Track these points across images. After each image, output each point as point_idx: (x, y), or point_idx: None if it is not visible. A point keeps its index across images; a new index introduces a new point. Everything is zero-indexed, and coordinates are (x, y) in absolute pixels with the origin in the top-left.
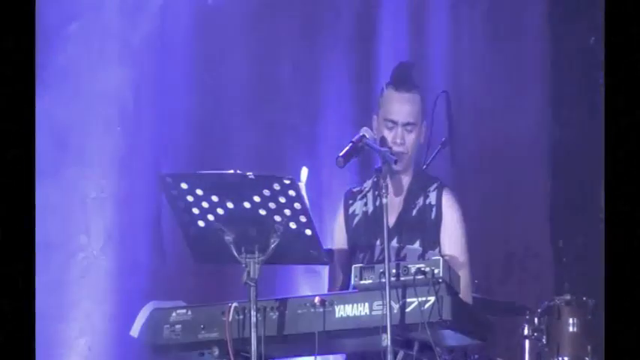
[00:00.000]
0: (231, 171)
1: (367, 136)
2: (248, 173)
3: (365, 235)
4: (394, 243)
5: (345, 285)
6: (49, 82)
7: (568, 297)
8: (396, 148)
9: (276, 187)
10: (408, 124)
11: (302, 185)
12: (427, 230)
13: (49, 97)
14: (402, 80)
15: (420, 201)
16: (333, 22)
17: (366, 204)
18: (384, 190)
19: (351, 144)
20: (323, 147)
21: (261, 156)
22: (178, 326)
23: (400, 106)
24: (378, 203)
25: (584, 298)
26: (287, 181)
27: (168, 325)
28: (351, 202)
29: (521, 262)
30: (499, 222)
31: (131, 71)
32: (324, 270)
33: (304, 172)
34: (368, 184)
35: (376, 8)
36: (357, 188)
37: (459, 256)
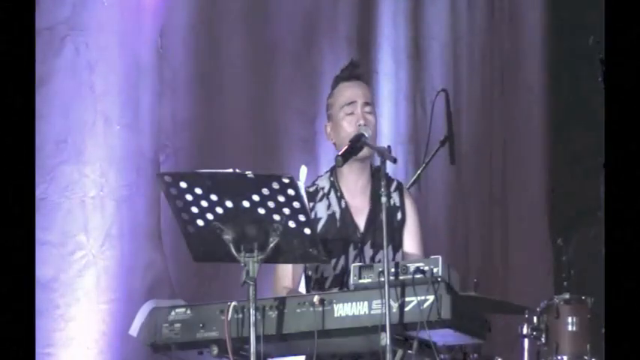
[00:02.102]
0: (230, 170)
1: (366, 135)
2: (247, 172)
3: (335, 240)
4: (368, 247)
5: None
6: (48, 81)
7: (567, 296)
8: (362, 129)
9: (275, 186)
10: (367, 103)
11: (301, 184)
12: (395, 232)
13: (49, 95)
14: (350, 72)
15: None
16: (332, 21)
17: (329, 206)
18: (382, 189)
19: (349, 143)
20: (322, 146)
21: (260, 155)
22: (177, 325)
23: (354, 90)
24: (344, 205)
25: (584, 297)
26: (286, 180)
27: (167, 324)
28: (311, 204)
29: (520, 262)
30: (498, 220)
31: (131, 70)
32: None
33: (303, 171)
34: (324, 182)
35: (376, 6)
36: (312, 188)
37: (416, 253)
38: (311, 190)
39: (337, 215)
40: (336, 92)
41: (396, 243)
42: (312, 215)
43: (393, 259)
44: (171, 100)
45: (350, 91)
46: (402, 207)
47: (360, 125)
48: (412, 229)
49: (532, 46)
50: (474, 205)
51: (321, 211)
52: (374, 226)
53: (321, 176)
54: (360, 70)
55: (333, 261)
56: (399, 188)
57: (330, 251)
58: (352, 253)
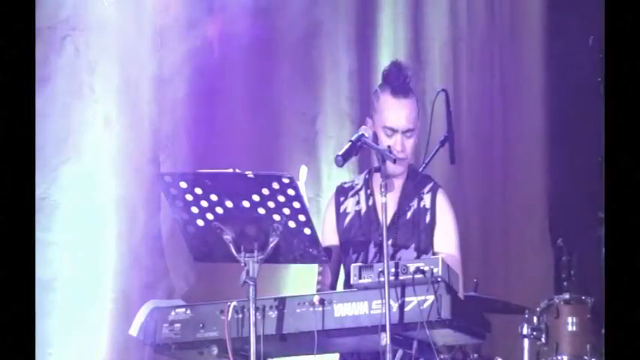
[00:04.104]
0: (230, 170)
1: (366, 135)
2: (247, 172)
3: (358, 235)
4: (389, 246)
5: (334, 284)
6: (48, 81)
7: (567, 296)
8: (396, 155)
9: (275, 186)
10: (407, 130)
11: (301, 184)
12: (421, 234)
13: (49, 95)
14: (399, 85)
15: (415, 203)
16: (332, 21)
17: (358, 202)
18: (383, 190)
19: (349, 143)
20: (322, 146)
21: (260, 155)
22: (177, 325)
23: (399, 113)
24: (371, 202)
25: (584, 297)
26: (286, 180)
27: (167, 324)
28: (342, 198)
29: (520, 262)
30: (498, 221)
31: (130, 70)
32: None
33: (303, 171)
34: (359, 180)
35: (375, 7)
36: (349, 184)
37: (451, 252)
38: (346, 185)
39: (362, 212)
40: (382, 103)
41: (422, 245)
42: (342, 210)
43: None
44: (172, 100)
45: (393, 113)
46: (433, 209)
47: (395, 150)
48: (445, 233)
49: (532, 45)
50: (474, 205)
51: (350, 206)
52: (396, 225)
53: (362, 174)
54: (406, 86)
55: (354, 256)
56: (432, 190)
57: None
58: (372, 250)
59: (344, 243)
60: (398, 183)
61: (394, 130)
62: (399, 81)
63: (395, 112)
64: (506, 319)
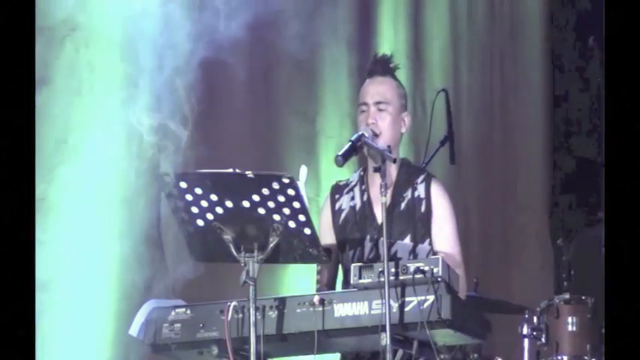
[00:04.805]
0: (230, 170)
1: (366, 135)
2: (247, 172)
3: (353, 231)
4: (384, 238)
5: (332, 283)
6: (48, 81)
7: (567, 296)
8: (362, 130)
9: (275, 186)
10: (379, 102)
11: (301, 184)
12: (417, 224)
13: (49, 95)
14: (374, 67)
15: (408, 194)
16: (332, 22)
17: (353, 198)
18: (383, 190)
19: (350, 143)
20: (322, 146)
21: (260, 155)
22: (177, 325)
23: (371, 88)
24: (365, 198)
25: (584, 297)
26: (286, 180)
27: (167, 324)
28: (337, 196)
29: (520, 262)
30: (498, 220)
31: (130, 69)
32: None
33: (303, 171)
34: (354, 177)
35: (376, 7)
36: (344, 182)
37: (451, 251)
38: (341, 183)
39: (357, 207)
40: (361, 87)
41: (418, 236)
42: (337, 207)
43: (413, 252)
44: (171, 100)
45: (366, 89)
46: (428, 198)
47: (368, 124)
48: (442, 224)
49: (532, 45)
50: (474, 205)
51: (345, 202)
52: (390, 217)
53: (357, 171)
54: (381, 66)
55: (350, 252)
56: (426, 180)
57: (348, 242)
58: (368, 244)
59: (340, 240)
60: (390, 174)
61: (366, 104)
62: (374, 65)
63: (368, 88)
64: (506, 319)
